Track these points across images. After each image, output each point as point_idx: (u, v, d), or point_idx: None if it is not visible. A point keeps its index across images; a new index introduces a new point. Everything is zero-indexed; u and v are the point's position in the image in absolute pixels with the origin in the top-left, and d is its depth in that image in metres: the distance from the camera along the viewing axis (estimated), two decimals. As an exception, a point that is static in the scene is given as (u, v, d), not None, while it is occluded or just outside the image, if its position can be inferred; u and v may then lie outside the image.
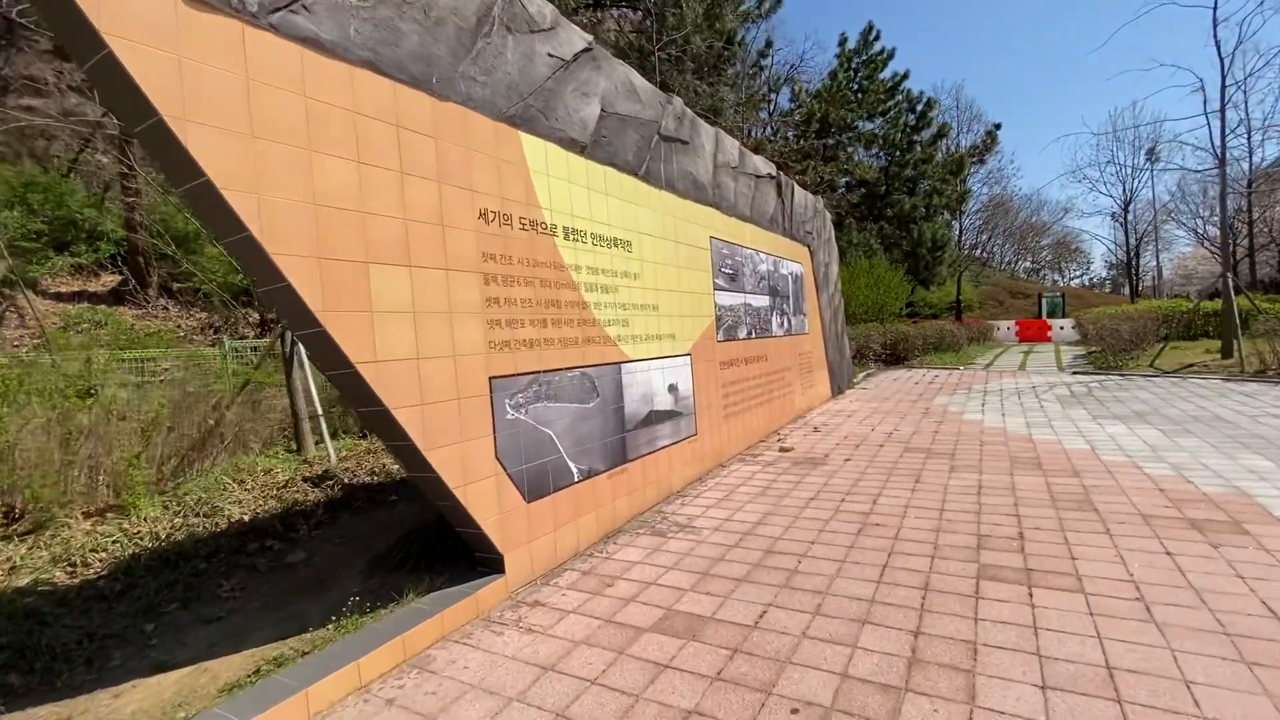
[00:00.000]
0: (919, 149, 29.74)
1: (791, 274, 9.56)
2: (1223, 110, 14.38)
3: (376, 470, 6.18)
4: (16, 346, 7.95)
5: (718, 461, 6.54)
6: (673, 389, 5.65)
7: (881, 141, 29.62)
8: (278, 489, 5.34)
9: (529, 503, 3.90)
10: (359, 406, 3.24)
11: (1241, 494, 4.65)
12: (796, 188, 10.08)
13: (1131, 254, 43.48)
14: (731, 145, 7.45)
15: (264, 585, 3.84)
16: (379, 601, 3.43)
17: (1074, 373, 13.76)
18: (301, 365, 6.79)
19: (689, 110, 6.27)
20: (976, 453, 6.52)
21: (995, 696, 2.42)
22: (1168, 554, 3.68)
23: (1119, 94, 75.99)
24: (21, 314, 8.63)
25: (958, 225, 40.78)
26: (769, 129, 26.92)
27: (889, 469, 6.03)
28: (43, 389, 5.03)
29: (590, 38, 4.73)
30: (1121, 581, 3.35)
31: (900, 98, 29.51)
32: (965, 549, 3.93)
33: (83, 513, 4.90)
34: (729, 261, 7.22)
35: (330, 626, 3.23)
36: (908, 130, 29.81)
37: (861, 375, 14.97)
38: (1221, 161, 15.01)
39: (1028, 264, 68.75)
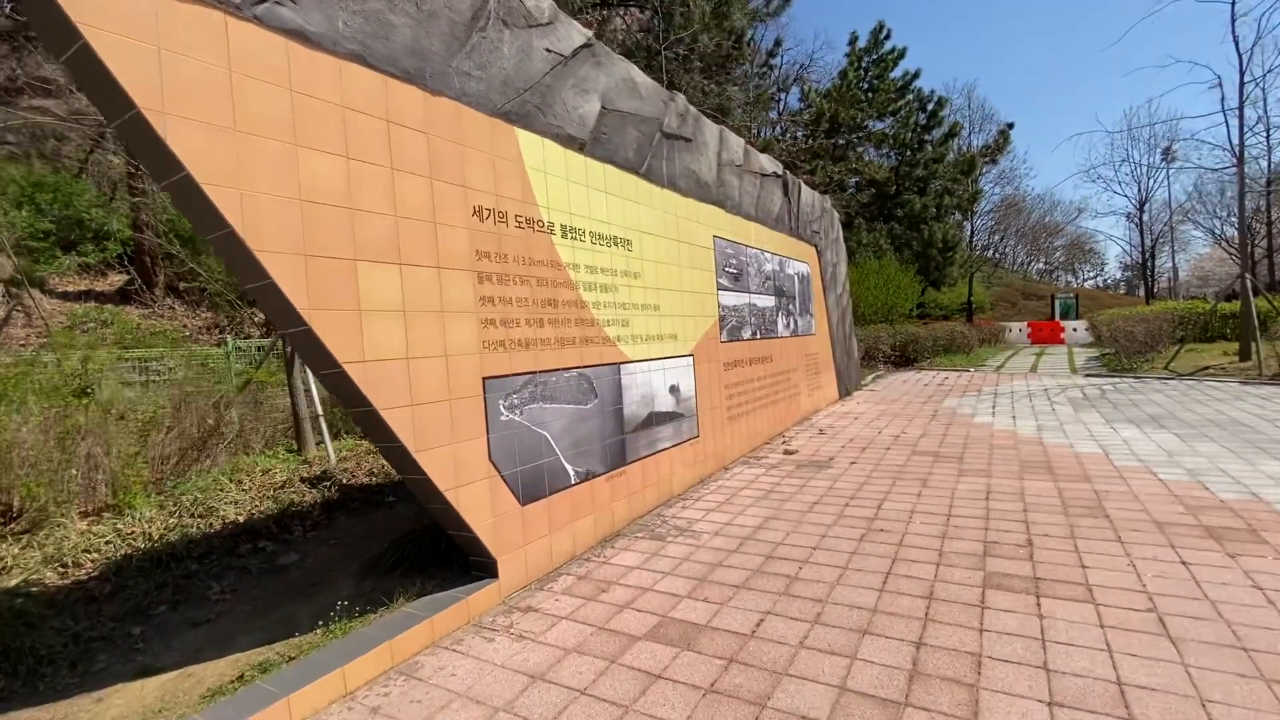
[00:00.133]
0: (930, 148, 29.45)
1: (798, 274, 9.45)
2: (1241, 107, 14.10)
3: (375, 471, 6.13)
4: (23, 345, 7.98)
5: (720, 464, 6.44)
6: (674, 390, 5.57)
7: (892, 141, 29.35)
8: (275, 490, 5.30)
9: (524, 506, 3.82)
10: (349, 407, 3.18)
11: (1260, 501, 4.51)
12: (804, 187, 9.96)
13: (1147, 255, 42.91)
14: (736, 143, 7.35)
15: (255, 588, 3.79)
16: (369, 606, 3.37)
17: (1087, 375, 13.54)
18: (303, 365, 6.75)
19: (692, 108, 6.18)
20: (985, 456, 6.39)
21: (999, 713, 2.32)
22: (1183, 563, 3.55)
23: (1134, 92, 75.23)
24: (28, 313, 8.67)
25: (969, 226, 40.46)
26: (778, 129, 26.78)
27: (895, 473, 5.91)
28: (42, 388, 5.02)
29: (590, 33, 4.66)
30: (1134, 592, 3.23)
31: (911, 97, 29.23)
32: (971, 556, 3.81)
33: (80, 512, 4.88)
34: (733, 261, 7.12)
35: (319, 631, 3.17)
36: (918, 130, 29.52)
37: (870, 377, 14.81)
38: (1239, 160, 14.72)
39: (1040, 265, 68.12)
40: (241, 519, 4.69)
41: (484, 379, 3.62)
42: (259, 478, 5.52)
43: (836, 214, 12.43)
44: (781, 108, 30.24)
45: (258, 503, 5.00)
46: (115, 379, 6.85)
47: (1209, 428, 7.13)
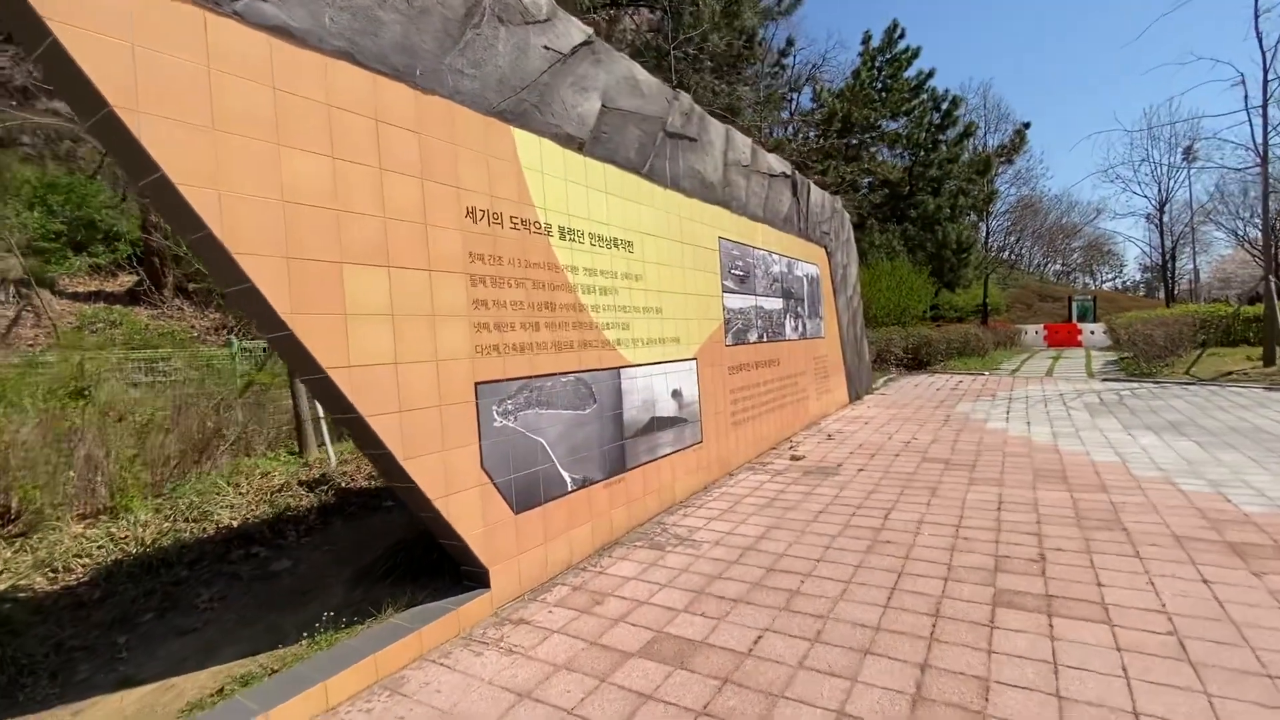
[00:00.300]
0: (944, 148, 29.09)
1: (807, 276, 9.30)
2: (1264, 105, 13.72)
3: (375, 474, 6.07)
4: (31, 345, 8.03)
5: (725, 470, 6.32)
6: (677, 395, 5.45)
7: (905, 141, 29.01)
8: (272, 493, 5.25)
9: (517, 514, 3.73)
10: (335, 413, 3.11)
11: (1286, 515, 4.32)
12: (813, 187, 9.81)
13: (1167, 256, 42.11)
14: (743, 143, 7.23)
15: (245, 595, 3.72)
16: (358, 616, 3.29)
17: (1104, 379, 13.24)
18: (304, 367, 6.71)
19: (697, 106, 6.06)
20: (998, 464, 6.21)
21: (1007, 745, 2.19)
22: (1204, 582, 3.39)
23: (1154, 90, 73.87)
24: (38, 313, 8.73)
25: (984, 227, 39.88)
26: (790, 128, 26.57)
27: (904, 481, 5.75)
28: (38, 389, 5.00)
29: (590, 30, 4.56)
30: (1152, 612, 3.07)
31: (925, 96, 28.89)
32: (981, 571, 3.67)
33: (78, 515, 4.86)
34: (739, 263, 6.99)
35: (304, 642, 3.09)
36: (932, 129, 29.17)
37: (881, 380, 14.60)
38: (1263, 159, 14.34)
39: (1057, 266, 67.11)
40: (236, 523, 4.63)
41: (476, 384, 3.53)
42: (257, 481, 5.48)
43: (847, 214, 12.25)
44: (794, 108, 30.01)
45: (254, 507, 4.95)
46: (121, 380, 6.85)
47: (1232, 436, 6.90)
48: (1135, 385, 11.99)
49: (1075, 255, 64.83)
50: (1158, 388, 11.42)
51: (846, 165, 25.25)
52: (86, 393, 5.27)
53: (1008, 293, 43.50)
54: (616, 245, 4.78)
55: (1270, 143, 14.09)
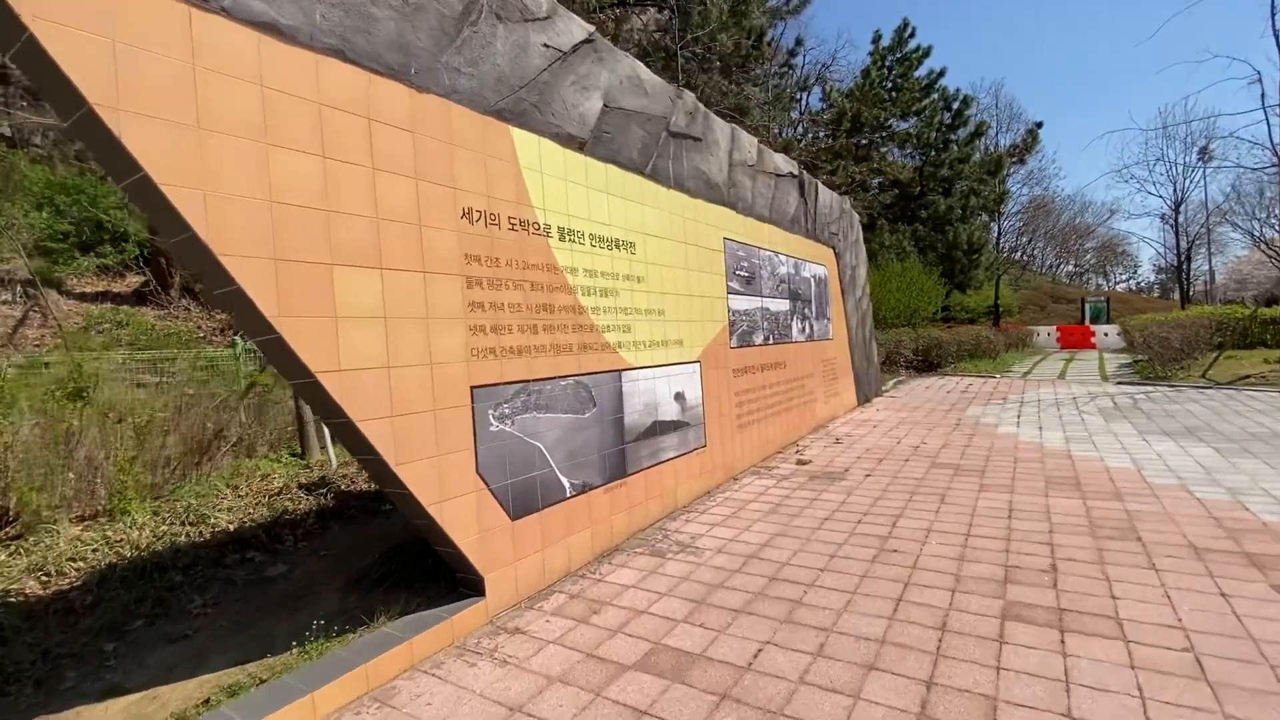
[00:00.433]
0: (955, 148, 28.79)
1: (814, 277, 9.18)
2: (1284, 104, 13.45)
3: (376, 477, 6.02)
4: (37, 346, 8.05)
5: (729, 474, 6.22)
6: (679, 398, 5.37)
7: (916, 141, 28.74)
8: (271, 496, 5.21)
9: (514, 520, 3.66)
10: (326, 417, 3.05)
11: (1309, 525, 4.18)
12: (821, 187, 9.69)
13: (1182, 257, 41.52)
14: (749, 142, 7.13)
15: (238, 601, 3.67)
16: (350, 624, 3.23)
17: (1118, 383, 13.02)
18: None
19: (701, 105, 5.98)
20: (1009, 470, 6.08)
21: (1016, 771, 2.09)
22: (1222, 595, 3.27)
23: (1169, 89, 72.75)
24: (45, 314, 8.76)
25: (996, 227, 39.52)
26: (799, 128, 26.40)
27: (912, 487, 5.64)
28: (42, 389, 4.98)
29: (591, 28, 4.49)
30: (1169, 628, 2.96)
31: (936, 96, 28.60)
32: (991, 582, 3.56)
33: (76, 517, 4.84)
34: (745, 264, 6.90)
35: (294, 651, 3.03)
36: (943, 129, 28.89)
37: (891, 383, 14.43)
38: (1282, 159, 14.06)
39: (1070, 268, 66.42)
40: (233, 527, 4.59)
41: (472, 388, 3.46)
42: (257, 483, 5.44)
43: (856, 215, 12.11)
44: (803, 108, 29.83)
45: (252, 510, 4.91)
46: (128, 380, 6.85)
47: (1250, 442, 6.72)
48: (1150, 388, 11.77)
49: (1089, 256, 64.17)
50: (1173, 391, 11.21)
51: (856, 165, 25.04)
52: (84, 394, 5.25)
53: (1020, 294, 43.05)
54: (618, 246, 4.70)
55: (1289, 142, 13.79)
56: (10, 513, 4.59)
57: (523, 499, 3.73)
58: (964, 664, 2.75)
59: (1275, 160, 14.41)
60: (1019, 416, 9.30)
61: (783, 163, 8.16)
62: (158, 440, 5.35)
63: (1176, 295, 44.32)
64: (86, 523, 4.75)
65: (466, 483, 3.38)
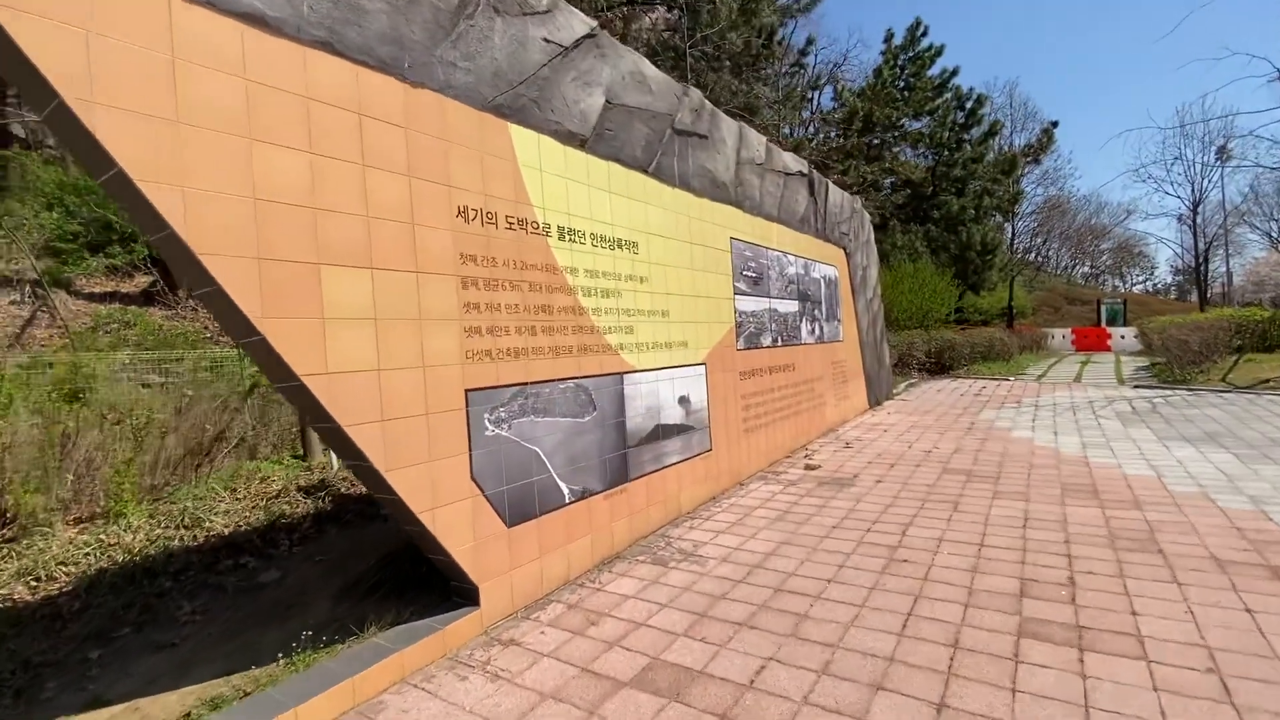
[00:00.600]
0: (968, 148, 28.40)
1: (824, 278, 9.03)
2: (1309, 101, 13.12)
3: (377, 480, 5.94)
4: (43, 346, 8.06)
5: (735, 480, 6.09)
6: (684, 401, 5.25)
7: (928, 140, 28.37)
8: (269, 499, 5.14)
9: (510, 527, 3.55)
10: (314, 422, 2.95)
11: (1341, 538, 3.99)
12: (831, 186, 9.53)
13: (1200, 259, 40.83)
14: (757, 140, 7.00)
15: (228, 608, 3.59)
16: (339, 634, 3.13)
17: (1136, 386, 12.74)
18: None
19: (707, 103, 5.85)
20: (1024, 477, 5.91)
21: (1033, 806, 1.95)
22: (1247, 611, 3.11)
23: (1187, 87, 71.50)
24: (53, 314, 8.78)
25: (1010, 228, 38.96)
26: (810, 128, 26.18)
27: (924, 493, 5.48)
28: (40, 390, 4.94)
29: (594, 23, 4.38)
30: (1192, 646, 2.81)
31: (949, 95, 28.22)
32: (1005, 596, 3.41)
33: (73, 519, 4.79)
34: (752, 264, 6.77)
35: (281, 663, 2.94)
36: (956, 129, 28.51)
37: (903, 385, 14.22)
38: (1306, 157, 13.71)
39: (1086, 269, 65.56)
40: (228, 531, 4.52)
41: (467, 391, 3.36)
42: (256, 486, 5.38)
43: (867, 215, 11.93)
44: (814, 107, 29.57)
45: (248, 513, 4.84)
46: (134, 380, 6.82)
47: (1271, 448, 6.50)
48: (1168, 392, 11.50)
49: (1104, 257, 63.31)
50: (1192, 395, 10.94)
51: (868, 165, 24.77)
52: (81, 395, 5.21)
53: (1034, 295, 42.51)
54: (620, 246, 4.59)
55: (1314, 140, 13.46)
56: (6, 515, 4.55)
57: (519, 505, 3.62)
58: (977, 684, 2.61)
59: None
60: (1034, 421, 9.09)
61: (792, 161, 8.02)
62: (156, 442, 5.30)
63: (1194, 297, 43.65)
64: (83, 525, 4.70)
65: (460, 489, 3.28)
